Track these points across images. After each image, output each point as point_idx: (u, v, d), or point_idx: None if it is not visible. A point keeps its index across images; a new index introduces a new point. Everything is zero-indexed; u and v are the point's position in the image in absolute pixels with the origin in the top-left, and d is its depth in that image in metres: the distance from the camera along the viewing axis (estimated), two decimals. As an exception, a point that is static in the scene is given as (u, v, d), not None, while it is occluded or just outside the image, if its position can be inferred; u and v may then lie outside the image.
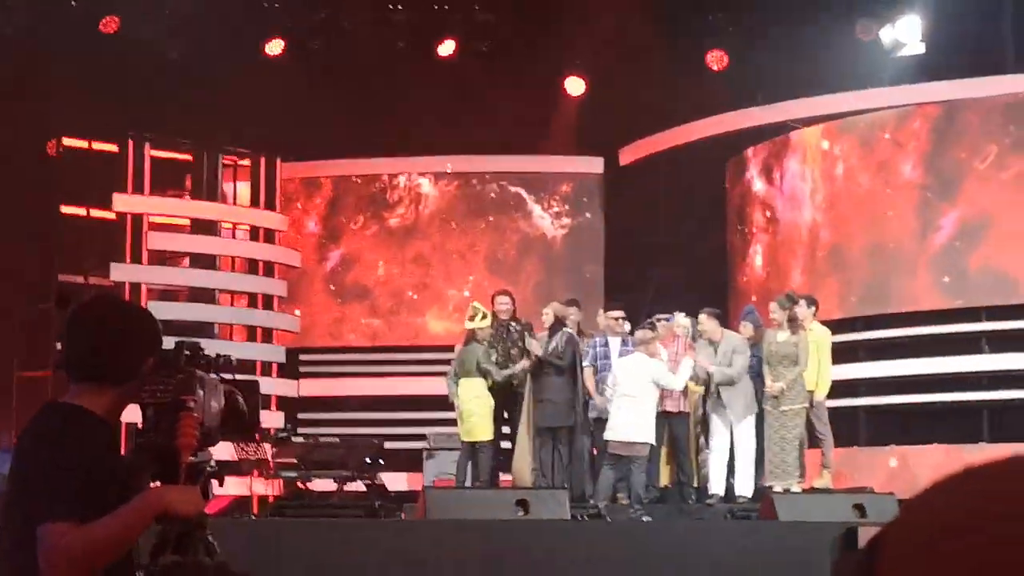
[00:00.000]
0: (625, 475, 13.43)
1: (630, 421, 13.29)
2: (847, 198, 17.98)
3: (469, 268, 21.08)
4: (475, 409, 14.41)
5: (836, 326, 15.00)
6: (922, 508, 1.21)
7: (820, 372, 14.27)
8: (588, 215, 21.17)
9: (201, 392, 3.88)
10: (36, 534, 3.51)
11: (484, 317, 14.60)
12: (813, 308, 14.58)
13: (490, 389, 14.49)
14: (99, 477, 3.59)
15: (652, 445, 13.61)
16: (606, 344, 14.51)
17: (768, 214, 19.14)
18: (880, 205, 17.58)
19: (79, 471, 3.57)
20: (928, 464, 16.38)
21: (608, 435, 13.47)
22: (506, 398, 14.63)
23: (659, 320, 14.43)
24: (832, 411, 14.92)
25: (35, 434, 3.73)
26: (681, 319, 14.60)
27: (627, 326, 14.67)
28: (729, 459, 14.21)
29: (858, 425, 17.22)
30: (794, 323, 14.15)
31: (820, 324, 14.67)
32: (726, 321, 15.22)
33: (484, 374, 14.44)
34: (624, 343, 14.32)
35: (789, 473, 13.87)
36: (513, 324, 14.61)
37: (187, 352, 3.94)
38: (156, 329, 3.94)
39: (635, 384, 13.38)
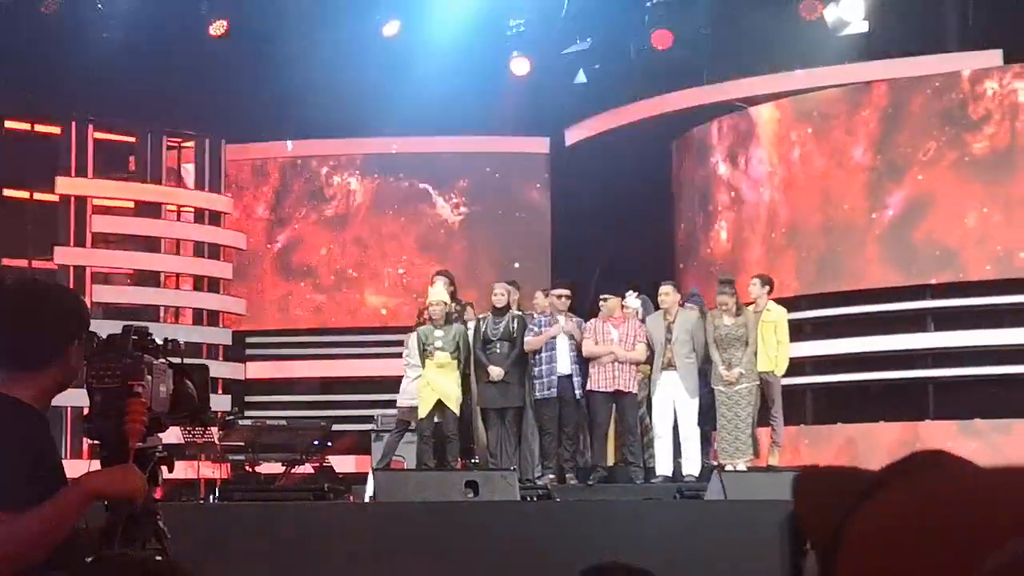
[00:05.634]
0: None
1: None
2: (799, 177, 18.04)
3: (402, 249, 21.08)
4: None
5: (783, 305, 15.01)
6: (886, 501, 1.18)
7: (779, 351, 14.34)
8: (534, 195, 21.18)
9: (149, 377, 3.83)
10: None
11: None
12: (768, 288, 14.59)
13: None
14: (34, 466, 3.54)
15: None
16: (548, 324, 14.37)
17: (720, 194, 19.16)
18: (828, 183, 17.63)
19: (13, 462, 3.52)
20: (874, 442, 16.46)
21: None
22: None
23: (603, 299, 14.41)
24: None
25: None
26: (632, 299, 14.60)
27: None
28: (673, 439, 14.24)
29: (805, 403, 17.29)
30: (739, 305, 14.21)
31: (775, 303, 14.70)
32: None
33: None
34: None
35: (743, 451, 13.93)
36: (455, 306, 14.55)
37: (135, 337, 3.88)
38: (77, 309, 3.88)
39: None
